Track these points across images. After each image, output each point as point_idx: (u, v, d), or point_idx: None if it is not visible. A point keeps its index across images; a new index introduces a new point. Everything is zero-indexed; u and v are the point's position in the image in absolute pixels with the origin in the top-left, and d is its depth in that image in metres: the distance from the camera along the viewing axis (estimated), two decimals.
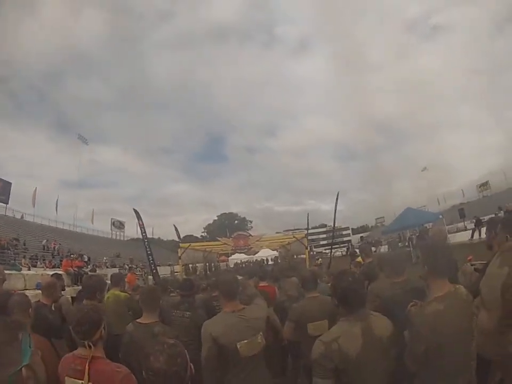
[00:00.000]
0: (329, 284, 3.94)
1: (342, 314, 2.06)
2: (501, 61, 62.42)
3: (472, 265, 3.28)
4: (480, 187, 41.79)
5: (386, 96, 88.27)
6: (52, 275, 5.34)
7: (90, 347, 1.93)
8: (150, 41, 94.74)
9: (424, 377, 2.04)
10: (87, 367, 1.88)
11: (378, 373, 1.94)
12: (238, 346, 2.43)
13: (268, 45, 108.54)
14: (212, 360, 2.44)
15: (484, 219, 18.50)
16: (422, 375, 2.06)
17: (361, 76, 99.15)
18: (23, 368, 1.44)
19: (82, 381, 1.87)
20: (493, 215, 16.68)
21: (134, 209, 14.01)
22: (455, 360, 1.93)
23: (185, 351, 1.66)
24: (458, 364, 1.95)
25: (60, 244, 31.11)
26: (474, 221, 21.45)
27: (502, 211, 17.98)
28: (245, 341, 2.46)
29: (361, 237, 41.34)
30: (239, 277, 4.25)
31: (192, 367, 1.66)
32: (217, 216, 77.11)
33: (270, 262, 25.02)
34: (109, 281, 5.22)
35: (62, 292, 5.17)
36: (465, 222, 26.17)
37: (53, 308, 3.58)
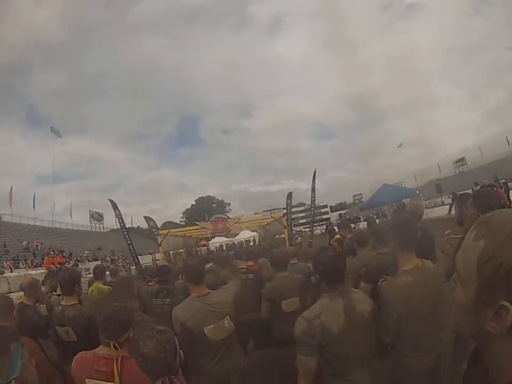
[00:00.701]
0: (307, 264, 4.01)
1: (323, 290, 2.07)
2: (477, 40, 63.14)
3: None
4: (456, 163, 42.06)
5: (362, 74, 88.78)
6: (46, 275, 5.29)
7: (116, 348, 1.81)
8: (119, 26, 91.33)
9: (399, 348, 2.12)
10: (116, 368, 1.76)
11: (361, 348, 1.98)
12: (205, 331, 2.46)
13: (240, 25, 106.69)
14: (184, 344, 2.47)
15: None
16: (397, 346, 2.12)
17: (336, 54, 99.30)
18: (12, 381, 1.40)
19: (112, 383, 1.74)
20: (470, 190, 17.06)
21: (109, 199, 13.75)
22: (428, 330, 2.00)
23: (175, 337, 1.66)
24: (432, 335, 2.01)
25: (41, 242, 30.46)
26: (451, 196, 21.85)
27: (478, 186, 18.37)
28: (211, 326, 2.48)
29: (339, 214, 41.36)
30: (209, 264, 4.31)
31: (182, 353, 1.66)
32: (195, 201, 76.46)
33: (251, 244, 25.11)
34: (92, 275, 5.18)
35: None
36: (442, 197, 26.65)
37: (37, 308, 3.55)
